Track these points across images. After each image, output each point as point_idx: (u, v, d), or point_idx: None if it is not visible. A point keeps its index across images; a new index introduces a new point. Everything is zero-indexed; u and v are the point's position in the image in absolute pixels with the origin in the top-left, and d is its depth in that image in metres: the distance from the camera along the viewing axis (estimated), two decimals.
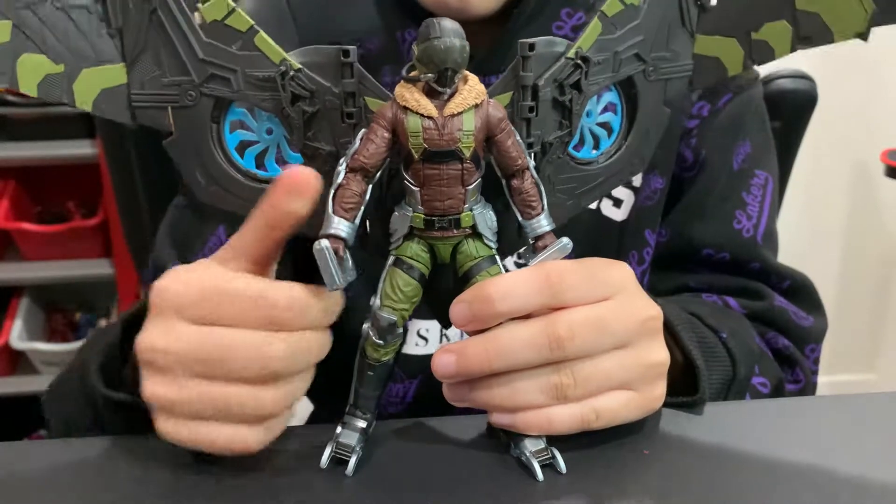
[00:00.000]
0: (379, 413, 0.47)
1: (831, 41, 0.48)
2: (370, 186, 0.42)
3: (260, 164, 0.46)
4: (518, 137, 0.44)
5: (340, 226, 0.42)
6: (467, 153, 0.42)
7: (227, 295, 0.42)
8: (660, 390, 0.47)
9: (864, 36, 0.46)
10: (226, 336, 0.41)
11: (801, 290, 0.70)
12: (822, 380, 0.70)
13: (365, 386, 0.45)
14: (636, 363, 0.45)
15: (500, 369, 0.43)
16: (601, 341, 0.44)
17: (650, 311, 0.46)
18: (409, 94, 0.41)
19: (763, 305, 0.67)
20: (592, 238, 0.67)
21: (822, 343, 0.70)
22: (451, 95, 0.41)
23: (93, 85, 0.43)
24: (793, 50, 0.48)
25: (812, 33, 0.47)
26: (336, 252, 0.41)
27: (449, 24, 0.40)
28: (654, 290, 0.67)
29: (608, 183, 0.50)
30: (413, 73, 0.42)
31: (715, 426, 0.50)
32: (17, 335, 1.64)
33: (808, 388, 0.67)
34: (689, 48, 0.49)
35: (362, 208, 0.42)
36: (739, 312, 0.66)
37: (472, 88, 0.42)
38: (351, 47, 0.43)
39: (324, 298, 0.43)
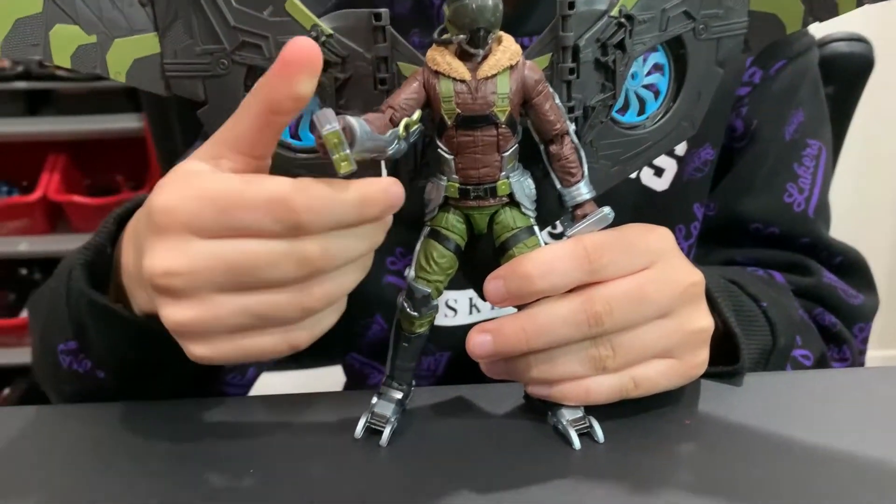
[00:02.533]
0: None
1: None
2: (395, 133, 0.39)
3: (294, 133, 0.46)
4: (557, 100, 0.42)
5: (354, 118, 0.36)
6: (502, 117, 0.40)
7: (242, 205, 0.37)
8: (702, 357, 0.46)
9: None
10: (249, 245, 0.37)
11: (852, 267, 0.68)
12: (874, 353, 0.67)
13: (401, 357, 0.44)
14: (678, 331, 0.43)
15: (538, 348, 0.41)
16: (641, 312, 0.42)
17: (692, 277, 0.44)
18: (441, 58, 0.40)
19: (811, 281, 0.65)
20: (630, 210, 0.64)
21: (872, 322, 0.67)
22: (485, 57, 0.40)
23: (126, 55, 0.43)
24: (859, 4, 0.45)
25: None
26: (344, 126, 0.35)
27: None
28: (698, 264, 0.66)
29: (655, 148, 0.47)
30: (445, 36, 0.40)
31: (756, 397, 0.48)
32: None
33: (855, 367, 0.64)
34: (743, 4, 0.46)
35: (377, 134, 0.37)
36: (785, 286, 0.64)
37: (506, 49, 0.40)
38: (383, 10, 0.42)
39: (352, 190, 0.37)
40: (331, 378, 0.90)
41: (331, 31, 0.42)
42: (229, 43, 0.43)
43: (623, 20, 0.43)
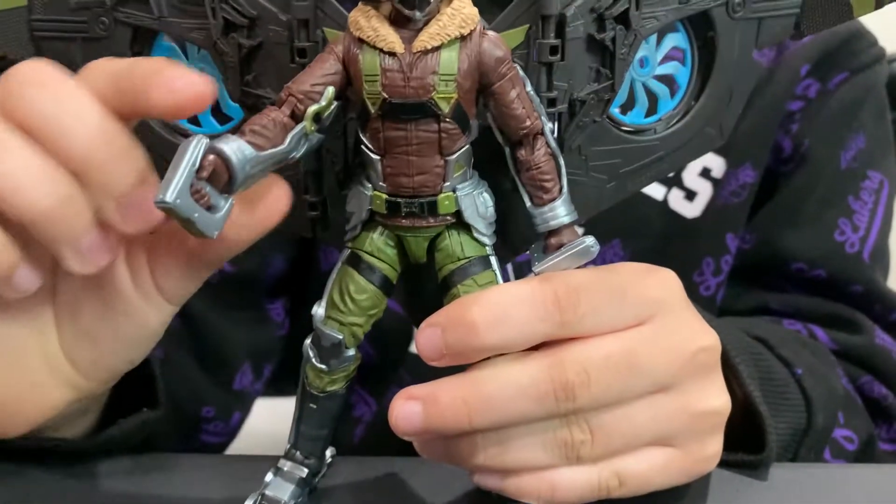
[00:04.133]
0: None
1: None
2: (299, 134, 0.29)
3: (193, 117, 0.35)
4: (529, 88, 0.31)
5: (231, 141, 0.27)
6: (446, 108, 0.29)
7: None
8: (713, 448, 0.34)
9: None
10: None
11: None
12: None
13: (307, 423, 0.34)
14: (680, 412, 0.32)
15: (484, 427, 0.30)
16: (630, 385, 0.31)
17: (703, 340, 0.33)
18: (366, 21, 0.29)
19: (860, 340, 0.54)
20: (654, 238, 0.55)
21: None
22: (427, 23, 0.29)
23: None
24: None
25: None
26: (209, 167, 0.26)
27: None
28: (727, 311, 0.56)
29: (669, 161, 0.36)
30: None
31: (786, 497, 0.37)
32: None
33: None
34: None
35: (272, 150, 0.28)
36: (830, 349, 0.53)
37: (456, 13, 0.29)
38: None
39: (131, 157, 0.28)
40: None
41: None
42: None
43: None
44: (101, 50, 0.34)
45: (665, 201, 0.56)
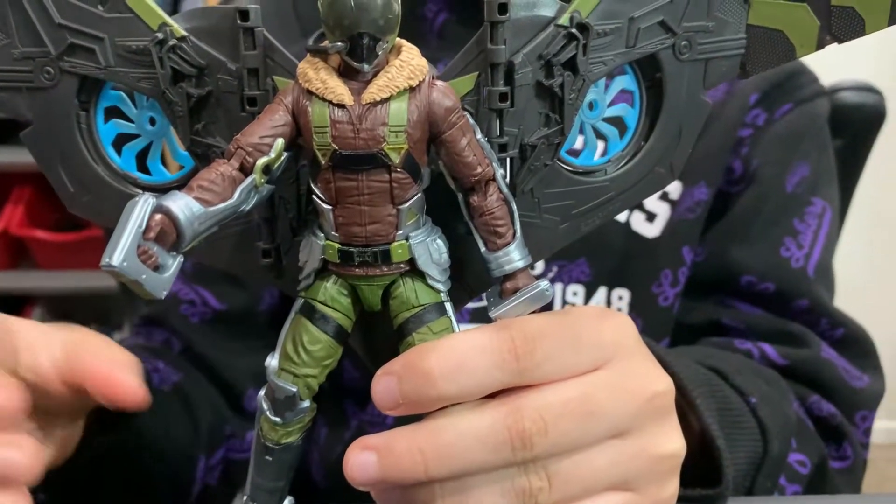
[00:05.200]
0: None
1: None
2: (248, 187, 0.29)
3: (143, 164, 0.35)
4: (479, 136, 0.31)
5: (178, 198, 0.27)
6: (396, 158, 0.29)
7: None
8: (670, 489, 0.34)
9: None
10: None
11: (857, 343, 0.59)
12: (881, 425, 0.57)
13: (262, 474, 0.33)
14: (637, 456, 0.32)
15: (441, 476, 0.30)
16: (587, 430, 0.31)
17: (658, 384, 0.33)
18: (314, 72, 0.29)
19: (807, 354, 0.57)
20: (617, 256, 0.57)
21: (876, 410, 0.58)
22: (375, 75, 0.29)
23: None
24: (891, 22, 0.34)
25: None
26: (156, 227, 0.26)
27: None
28: (682, 323, 0.58)
29: (621, 201, 0.36)
30: (321, 44, 0.29)
31: None
32: None
33: (857, 467, 0.54)
34: (740, 16, 0.36)
35: (221, 206, 0.28)
36: (779, 365, 0.55)
37: (404, 64, 0.29)
38: (252, 6, 0.31)
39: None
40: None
41: (184, 34, 0.32)
42: (54, 45, 0.33)
43: (574, 31, 0.32)
44: (46, 99, 0.34)
45: (627, 223, 0.58)
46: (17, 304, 1.66)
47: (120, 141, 0.35)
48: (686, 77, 0.35)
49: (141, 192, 0.34)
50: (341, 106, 0.28)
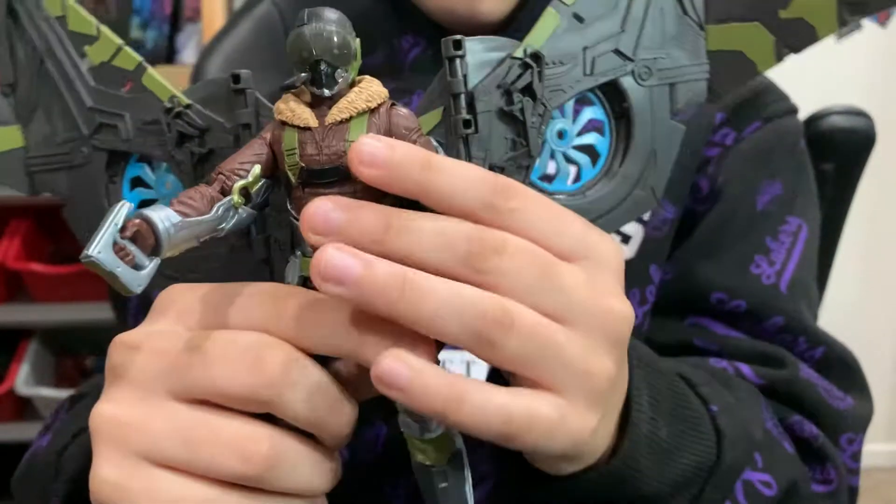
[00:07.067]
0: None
1: (892, 4, 0.34)
2: (226, 205, 0.31)
3: None
4: (441, 151, 0.33)
5: (158, 209, 0.29)
6: None
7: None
8: (591, 419, 0.32)
9: None
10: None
11: (838, 363, 0.57)
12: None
13: None
14: (585, 296, 0.31)
15: (395, 251, 0.30)
16: (540, 284, 0.30)
17: (622, 307, 0.33)
18: (284, 105, 0.33)
19: (784, 374, 0.54)
20: None
21: (864, 434, 0.55)
22: (337, 100, 0.32)
23: None
24: (841, 24, 0.35)
25: None
26: (132, 227, 0.28)
27: (327, 11, 0.32)
28: (653, 342, 0.54)
29: (605, 222, 0.37)
30: (290, 80, 0.33)
31: None
32: (23, 380, 1.54)
33: (840, 492, 0.51)
34: (697, 45, 0.38)
35: (198, 218, 0.30)
36: (756, 384, 0.52)
37: (363, 90, 0.32)
38: (243, 71, 0.36)
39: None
40: None
41: (189, 102, 0.37)
42: (87, 127, 0.38)
43: (528, 60, 0.35)
44: (82, 176, 0.39)
45: None
46: (12, 338, 1.64)
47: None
48: (653, 102, 0.37)
49: None
50: (307, 129, 0.32)
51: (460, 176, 0.31)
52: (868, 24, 0.35)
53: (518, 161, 0.35)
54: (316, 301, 0.31)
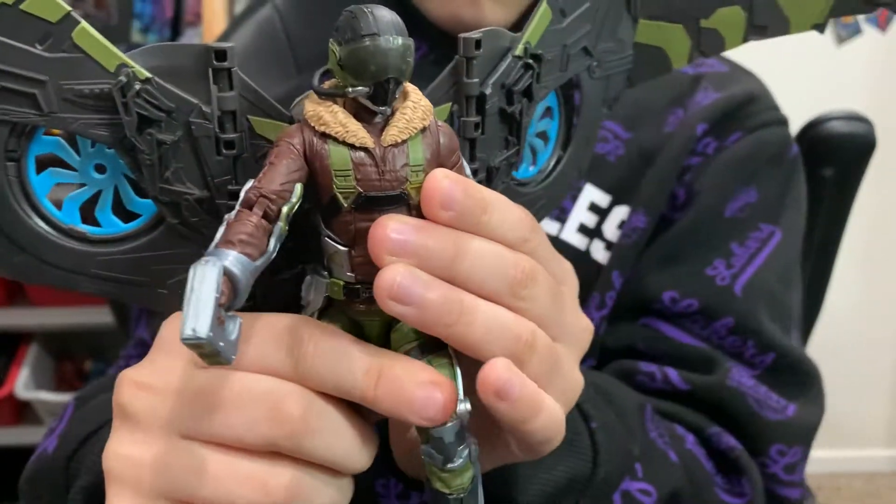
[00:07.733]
0: None
1: (786, 32, 0.41)
2: (277, 235, 0.28)
3: (89, 216, 0.31)
4: (468, 171, 0.33)
5: (230, 256, 0.26)
6: (417, 196, 0.30)
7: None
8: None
9: (821, 28, 0.41)
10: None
11: (788, 371, 0.56)
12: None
13: None
14: (568, 372, 0.36)
15: (459, 273, 0.30)
16: (551, 312, 0.34)
17: (590, 324, 0.38)
18: (331, 116, 0.28)
19: (710, 381, 0.54)
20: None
21: (808, 446, 0.55)
22: (388, 117, 0.29)
23: None
24: (745, 40, 0.41)
25: (768, 22, 0.40)
26: (228, 293, 0.25)
27: (387, 15, 0.28)
28: (604, 347, 0.58)
29: (548, 206, 0.40)
30: (330, 83, 0.29)
31: None
32: (22, 384, 1.54)
33: None
34: (630, 37, 0.41)
35: (262, 259, 0.27)
36: (681, 389, 0.54)
37: (416, 106, 0.30)
38: (226, 45, 0.29)
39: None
40: None
41: (148, 75, 0.29)
42: None
43: (530, 60, 0.35)
44: None
45: (587, 252, 0.58)
46: (12, 342, 1.64)
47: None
48: (594, 92, 0.40)
49: (90, 248, 0.31)
50: (363, 149, 0.29)
51: (508, 216, 0.32)
52: (868, 29, 0.41)
53: (509, 160, 0.36)
54: (335, 347, 0.30)
